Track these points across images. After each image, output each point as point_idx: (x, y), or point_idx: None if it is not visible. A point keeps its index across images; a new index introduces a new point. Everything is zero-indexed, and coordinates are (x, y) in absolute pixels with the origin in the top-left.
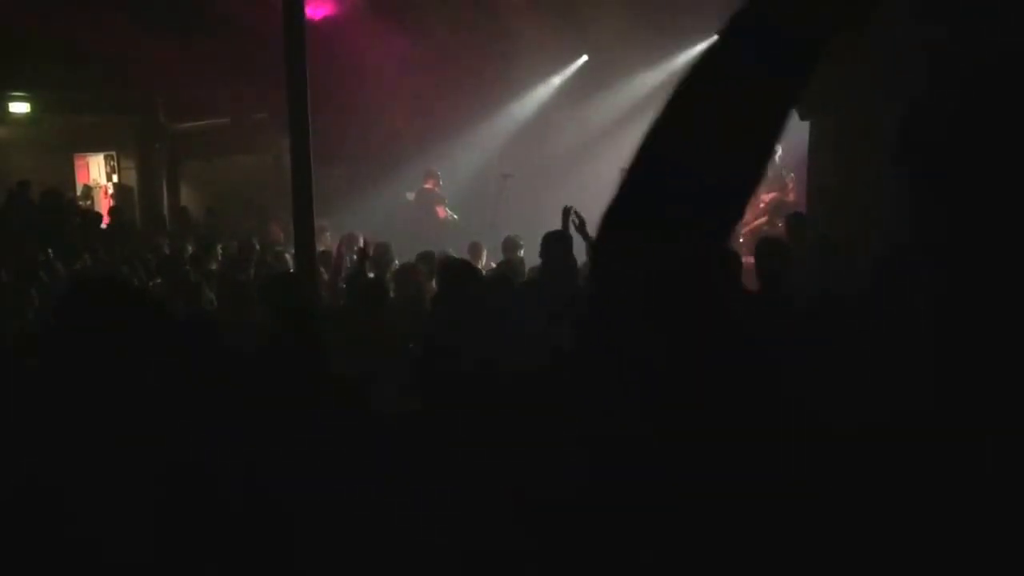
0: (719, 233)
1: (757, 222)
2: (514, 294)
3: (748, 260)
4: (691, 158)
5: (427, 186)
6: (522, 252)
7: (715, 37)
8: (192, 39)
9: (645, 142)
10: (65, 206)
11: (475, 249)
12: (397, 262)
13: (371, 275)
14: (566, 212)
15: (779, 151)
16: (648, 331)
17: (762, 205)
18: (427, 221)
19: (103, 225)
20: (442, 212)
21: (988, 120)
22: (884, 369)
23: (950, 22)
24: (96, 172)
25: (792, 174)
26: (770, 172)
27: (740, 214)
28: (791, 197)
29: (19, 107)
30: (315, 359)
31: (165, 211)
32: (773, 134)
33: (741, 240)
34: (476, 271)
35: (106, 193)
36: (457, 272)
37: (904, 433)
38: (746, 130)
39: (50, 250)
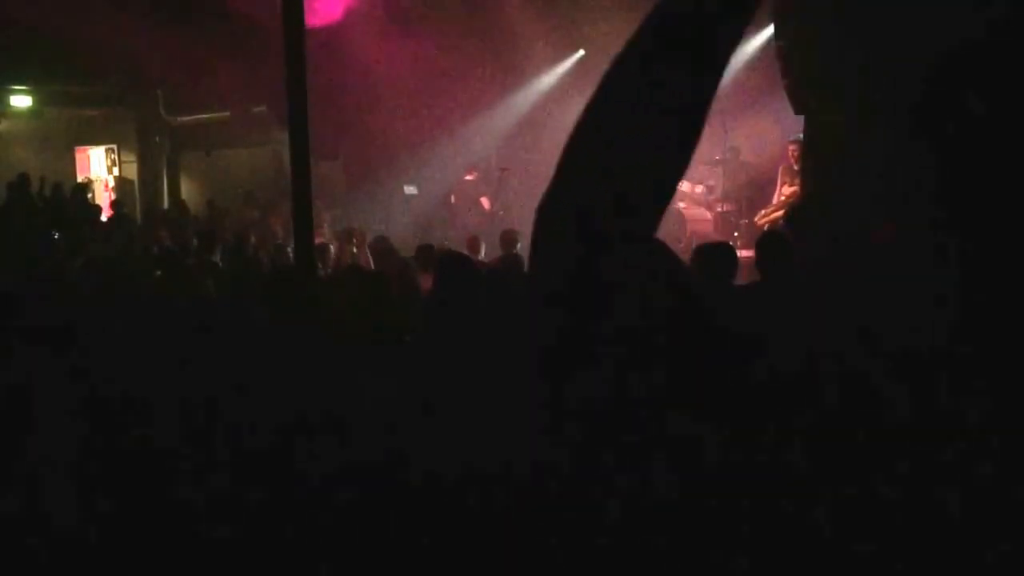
0: (643, 225)
1: (774, 215)
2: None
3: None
4: (614, 152)
5: (469, 178)
6: (520, 247)
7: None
8: (192, 32)
9: (569, 143)
10: (74, 201)
11: (474, 243)
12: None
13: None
14: None
15: (801, 138)
16: (580, 327)
17: (782, 198)
18: (473, 212)
19: (104, 218)
20: (487, 203)
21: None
22: (892, 362)
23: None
24: (96, 165)
25: None
26: (796, 165)
27: (664, 202)
28: None
29: (20, 101)
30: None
31: (165, 204)
32: (694, 126)
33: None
34: (472, 266)
35: (107, 186)
36: (452, 267)
37: (912, 430)
38: (668, 119)
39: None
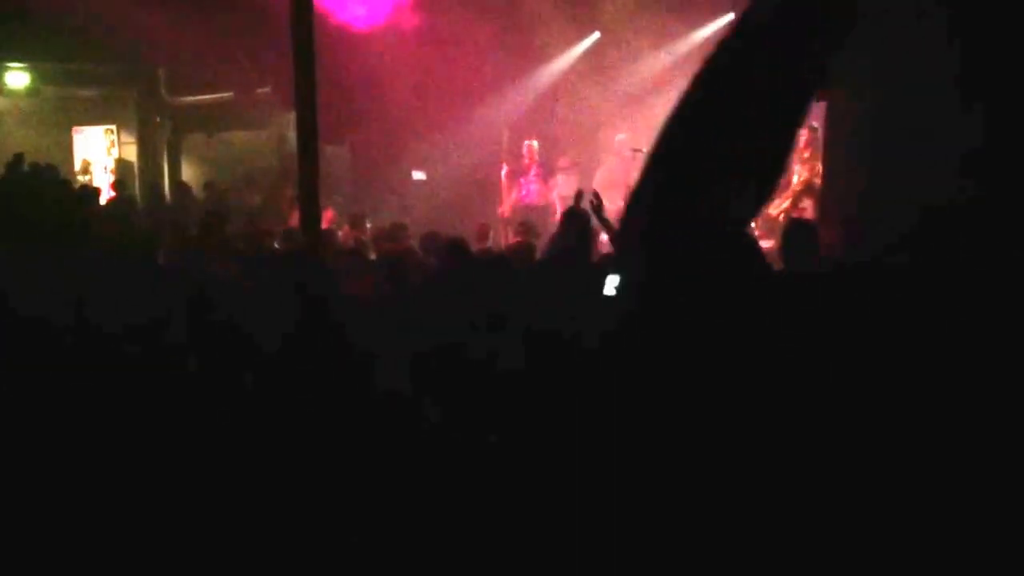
0: (741, 219)
1: (785, 205)
2: (515, 276)
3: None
4: (716, 145)
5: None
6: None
7: (733, 17)
8: (195, 11)
9: (668, 127)
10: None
11: (482, 230)
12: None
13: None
14: (578, 195)
15: (819, 128)
16: (673, 319)
17: (797, 189)
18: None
19: (103, 201)
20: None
21: None
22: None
23: None
24: (95, 146)
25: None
26: (805, 152)
27: (765, 199)
28: (818, 180)
29: (18, 79)
30: (334, 343)
31: (166, 187)
32: (796, 119)
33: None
34: (464, 252)
35: (106, 168)
36: (448, 252)
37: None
38: (770, 114)
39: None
